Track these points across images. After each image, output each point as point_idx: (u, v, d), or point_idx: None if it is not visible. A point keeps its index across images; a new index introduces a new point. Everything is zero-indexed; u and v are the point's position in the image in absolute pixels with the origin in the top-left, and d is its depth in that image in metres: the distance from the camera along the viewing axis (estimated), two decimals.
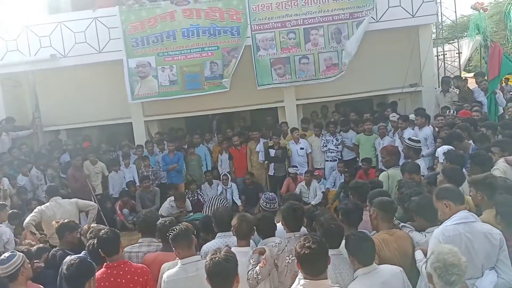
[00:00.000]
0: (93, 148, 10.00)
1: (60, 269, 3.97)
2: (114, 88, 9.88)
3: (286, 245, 3.55)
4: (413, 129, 7.96)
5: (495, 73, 8.45)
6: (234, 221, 3.74)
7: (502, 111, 8.49)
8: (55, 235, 4.86)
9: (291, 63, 9.50)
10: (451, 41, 13.19)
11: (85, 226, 4.66)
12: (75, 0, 10.49)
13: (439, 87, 10.09)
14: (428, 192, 3.98)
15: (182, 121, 11.67)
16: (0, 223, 5.85)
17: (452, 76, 10.83)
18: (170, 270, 3.41)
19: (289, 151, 9.22)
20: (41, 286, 3.77)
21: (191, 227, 3.58)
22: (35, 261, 4.23)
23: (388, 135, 8.62)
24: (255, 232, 3.81)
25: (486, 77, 9.15)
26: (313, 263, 2.73)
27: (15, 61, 9.56)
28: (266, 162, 9.29)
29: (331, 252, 2.93)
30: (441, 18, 11.56)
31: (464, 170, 4.72)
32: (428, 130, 7.79)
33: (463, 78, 10.65)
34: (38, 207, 6.16)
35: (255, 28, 9.43)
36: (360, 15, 9.23)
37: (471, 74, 12.66)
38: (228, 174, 9.29)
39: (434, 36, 11.87)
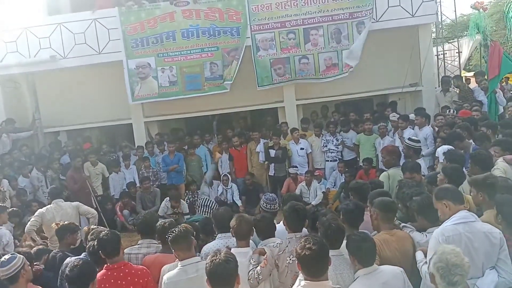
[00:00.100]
0: (94, 149, 9.99)
1: (61, 270, 3.98)
2: (114, 89, 9.88)
3: (287, 246, 3.55)
4: (413, 128, 7.96)
5: (495, 72, 8.46)
6: (232, 222, 3.76)
7: (502, 111, 8.48)
8: (55, 238, 4.85)
9: (291, 63, 9.50)
10: (451, 41, 13.15)
11: (85, 228, 4.66)
12: (74, 1, 10.52)
13: (439, 86, 10.07)
14: (429, 192, 3.98)
15: (182, 121, 11.66)
16: (0, 225, 5.84)
17: (452, 75, 10.81)
18: (170, 272, 3.41)
19: (289, 152, 9.21)
20: None
21: (190, 228, 3.57)
22: (35, 263, 4.22)
23: (388, 135, 8.62)
24: (255, 233, 3.81)
25: (486, 76, 9.15)
26: (313, 264, 2.73)
27: (15, 62, 9.56)
28: (266, 162, 9.28)
29: (331, 252, 2.92)
30: (441, 18, 11.53)
31: (464, 169, 4.71)
32: (428, 130, 7.78)
33: (464, 78, 10.62)
34: (39, 210, 6.19)
35: (255, 28, 9.43)
36: (359, 15, 9.23)
37: (471, 74, 12.65)
38: (228, 175, 9.28)
39: (434, 35, 11.86)
